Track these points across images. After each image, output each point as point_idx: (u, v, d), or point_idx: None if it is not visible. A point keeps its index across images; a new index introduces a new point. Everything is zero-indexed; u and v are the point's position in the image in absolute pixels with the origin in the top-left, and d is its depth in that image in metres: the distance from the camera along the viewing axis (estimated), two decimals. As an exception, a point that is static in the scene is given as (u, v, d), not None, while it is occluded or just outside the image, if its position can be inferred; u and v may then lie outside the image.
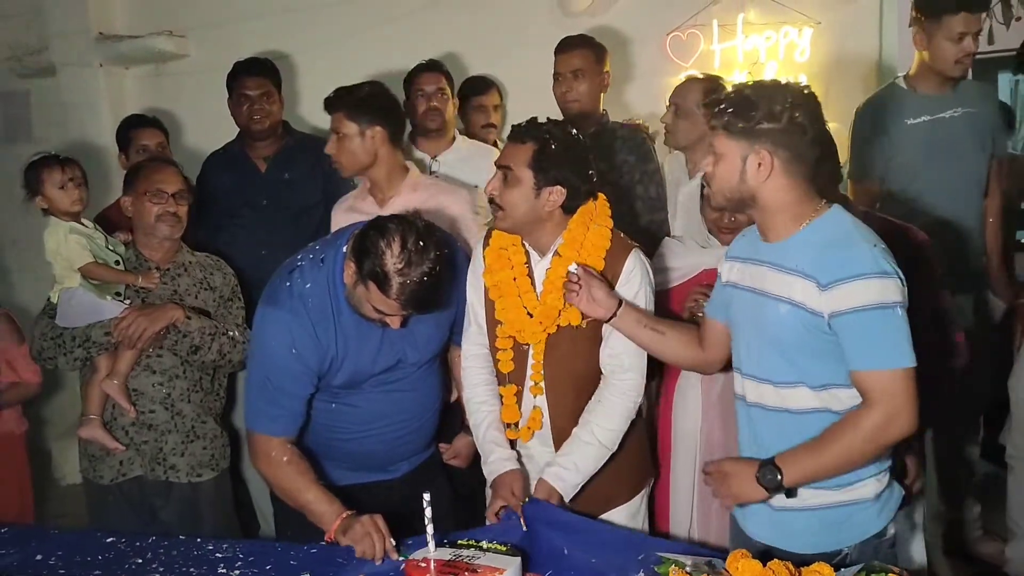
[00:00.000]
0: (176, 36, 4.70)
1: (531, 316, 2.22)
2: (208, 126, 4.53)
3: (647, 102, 3.93)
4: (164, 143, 3.38)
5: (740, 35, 3.76)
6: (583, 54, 3.12)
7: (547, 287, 2.22)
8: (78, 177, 2.74)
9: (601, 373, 2.25)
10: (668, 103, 3.01)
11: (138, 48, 4.67)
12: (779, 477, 1.78)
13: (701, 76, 3.08)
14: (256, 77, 3.41)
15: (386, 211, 2.59)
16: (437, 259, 2.04)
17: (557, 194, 2.16)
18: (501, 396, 2.31)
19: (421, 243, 2.02)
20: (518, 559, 1.90)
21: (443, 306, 2.24)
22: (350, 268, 2.10)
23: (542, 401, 2.26)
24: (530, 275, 2.26)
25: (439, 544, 1.94)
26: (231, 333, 2.71)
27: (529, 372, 2.25)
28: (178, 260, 2.76)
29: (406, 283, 2.00)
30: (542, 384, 2.24)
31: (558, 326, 2.22)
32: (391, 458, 2.40)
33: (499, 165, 2.21)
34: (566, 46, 3.16)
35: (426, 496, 1.91)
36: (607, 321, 2.15)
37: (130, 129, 3.37)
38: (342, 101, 2.66)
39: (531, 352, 2.25)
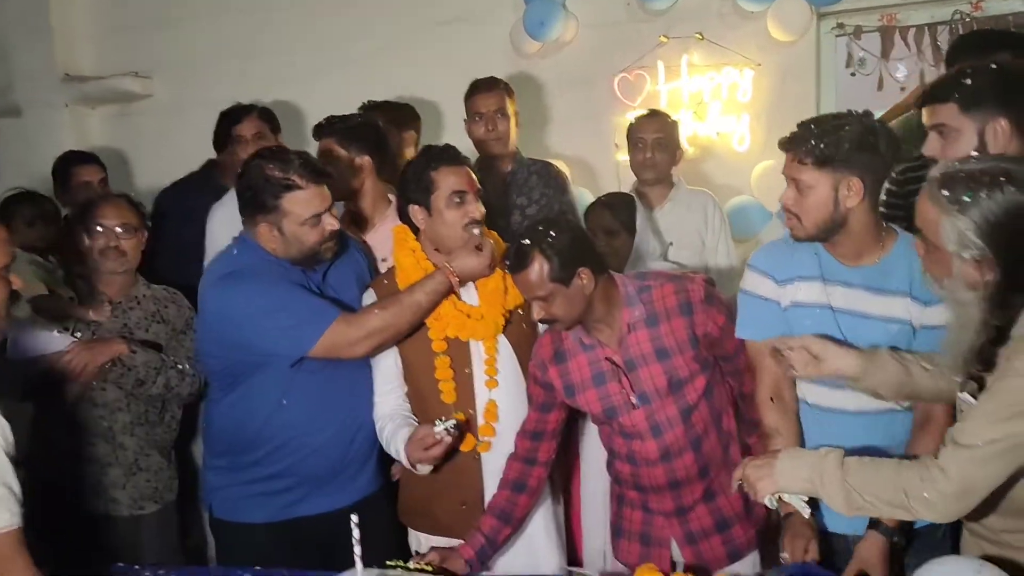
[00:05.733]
0: (142, 77, 4.79)
1: (469, 317, 2.29)
2: (172, 166, 4.61)
3: (598, 140, 4.06)
4: (105, 179, 3.47)
5: (685, 76, 3.88)
6: (501, 94, 3.23)
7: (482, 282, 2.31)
8: (48, 215, 2.79)
9: None
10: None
11: (104, 88, 4.76)
12: None
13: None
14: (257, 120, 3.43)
15: (370, 238, 2.71)
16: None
17: None
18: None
19: (277, 148, 2.33)
20: (442, 578, 1.96)
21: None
22: (261, 227, 2.27)
23: (497, 393, 2.31)
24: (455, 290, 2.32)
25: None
26: (180, 366, 2.74)
27: (483, 368, 2.31)
28: (131, 293, 2.80)
29: (295, 161, 2.24)
30: (497, 378, 2.31)
31: (508, 315, 2.31)
32: (343, 462, 2.40)
33: None
34: (488, 87, 3.26)
35: (354, 518, 1.96)
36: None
37: (71, 166, 3.44)
38: (334, 128, 2.75)
39: (480, 350, 2.31)
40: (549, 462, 2.29)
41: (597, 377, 2.18)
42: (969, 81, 1.99)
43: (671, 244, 3.19)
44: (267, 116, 3.44)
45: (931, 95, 2.08)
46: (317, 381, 2.33)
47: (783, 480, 1.78)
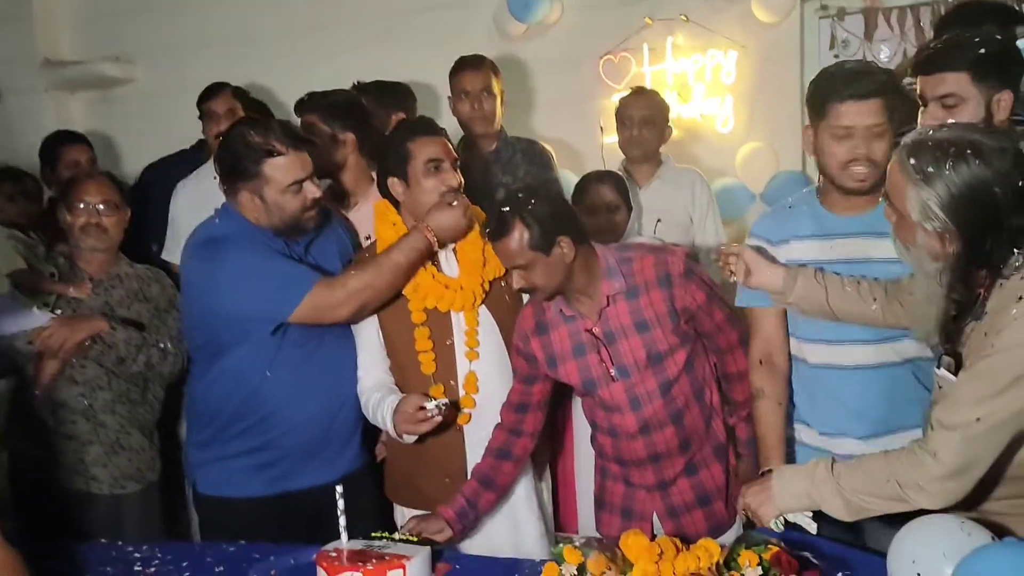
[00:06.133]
0: (123, 62, 4.76)
1: (448, 288, 2.29)
2: (154, 151, 4.57)
3: (583, 122, 4.06)
4: (94, 159, 3.47)
5: (669, 58, 3.90)
6: (487, 72, 3.24)
7: (463, 246, 2.32)
8: (30, 191, 2.77)
9: None
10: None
11: (84, 73, 4.73)
12: None
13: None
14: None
15: (352, 216, 2.69)
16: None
17: None
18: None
19: (253, 120, 2.34)
20: (427, 548, 1.94)
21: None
22: (242, 195, 2.25)
23: (477, 365, 2.31)
24: (434, 262, 2.34)
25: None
26: (162, 345, 2.72)
27: (463, 339, 2.31)
28: (113, 271, 2.78)
29: (276, 128, 2.25)
30: (478, 349, 2.31)
31: (489, 285, 2.31)
32: (327, 436, 2.39)
33: None
34: (474, 65, 3.25)
35: (339, 488, 1.95)
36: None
37: (60, 145, 3.43)
38: (316, 104, 2.74)
39: (461, 322, 2.31)
40: (535, 433, 2.28)
41: (577, 349, 2.17)
42: (983, 50, 1.94)
43: (659, 221, 3.20)
44: (240, 95, 3.47)
45: (938, 63, 1.99)
46: (301, 354, 2.31)
47: (782, 501, 1.80)
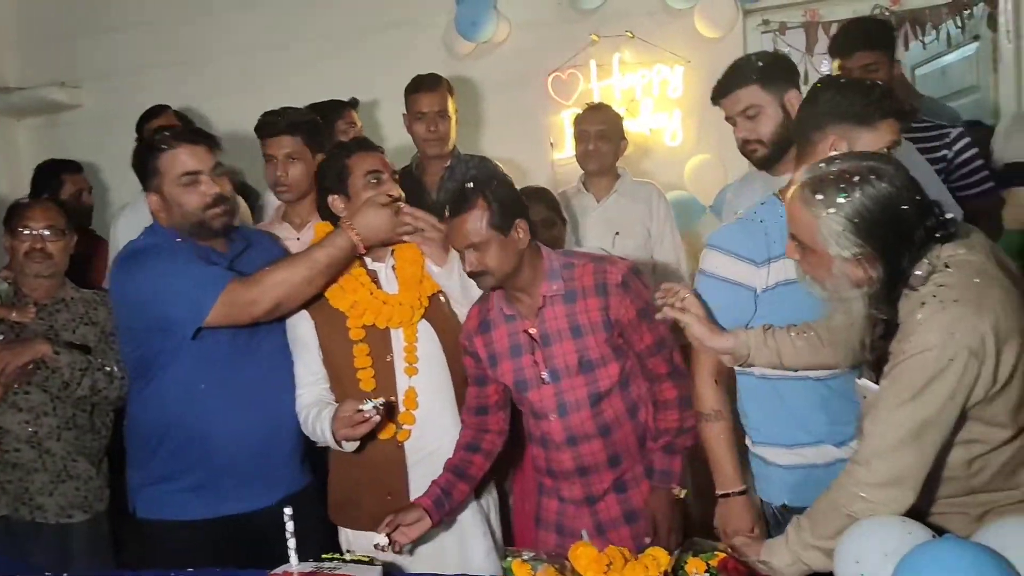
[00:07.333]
0: (70, 87, 4.70)
1: (386, 304, 2.29)
2: (103, 176, 4.55)
3: (532, 139, 4.10)
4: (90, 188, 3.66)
5: (617, 74, 3.95)
6: (443, 93, 3.21)
7: (401, 263, 2.33)
8: None
9: None
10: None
11: (31, 99, 4.67)
12: None
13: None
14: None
15: (304, 236, 2.70)
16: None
17: None
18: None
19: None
20: (379, 568, 1.93)
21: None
22: (151, 198, 2.29)
23: (416, 380, 2.30)
24: (374, 279, 2.34)
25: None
26: (108, 368, 2.67)
27: (402, 355, 2.30)
28: (58, 296, 2.75)
29: (173, 129, 2.33)
30: (417, 365, 2.30)
31: (428, 300, 2.32)
32: (267, 455, 2.35)
33: None
34: (430, 86, 3.21)
35: (287, 511, 1.92)
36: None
37: (61, 173, 3.53)
38: (298, 127, 2.75)
39: (400, 337, 2.30)
40: (502, 431, 2.30)
41: (514, 349, 2.21)
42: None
43: (617, 234, 3.24)
44: (180, 117, 3.54)
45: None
46: (235, 370, 2.29)
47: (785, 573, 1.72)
